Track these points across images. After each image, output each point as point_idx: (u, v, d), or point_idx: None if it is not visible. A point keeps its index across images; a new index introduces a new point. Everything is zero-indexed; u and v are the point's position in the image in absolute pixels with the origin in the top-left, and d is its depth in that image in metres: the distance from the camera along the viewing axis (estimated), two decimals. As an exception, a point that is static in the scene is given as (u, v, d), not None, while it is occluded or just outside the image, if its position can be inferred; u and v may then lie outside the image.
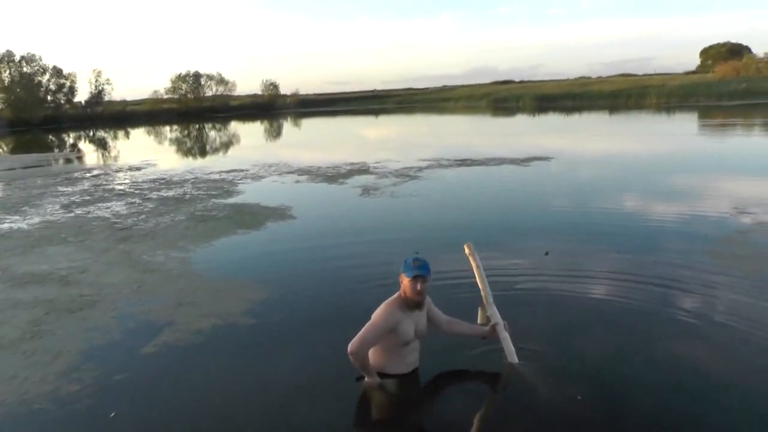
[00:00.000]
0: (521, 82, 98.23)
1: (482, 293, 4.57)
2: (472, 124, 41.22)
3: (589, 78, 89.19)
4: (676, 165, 15.70)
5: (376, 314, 4.21)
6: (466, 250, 4.72)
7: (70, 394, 4.43)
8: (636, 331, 5.14)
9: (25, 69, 66.10)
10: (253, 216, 10.74)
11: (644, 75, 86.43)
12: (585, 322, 5.35)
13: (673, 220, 9.09)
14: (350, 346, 4.10)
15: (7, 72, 64.91)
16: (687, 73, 79.23)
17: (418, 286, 4.12)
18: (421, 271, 4.11)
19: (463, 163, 17.21)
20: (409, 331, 4.22)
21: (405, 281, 4.17)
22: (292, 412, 4.10)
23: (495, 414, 4.02)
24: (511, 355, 4.46)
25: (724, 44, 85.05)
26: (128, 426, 4.02)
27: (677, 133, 25.48)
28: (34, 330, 5.72)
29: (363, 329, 4.15)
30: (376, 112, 67.44)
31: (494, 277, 6.60)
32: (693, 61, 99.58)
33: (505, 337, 4.48)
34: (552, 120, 40.64)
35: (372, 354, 4.31)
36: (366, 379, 4.25)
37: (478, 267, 4.64)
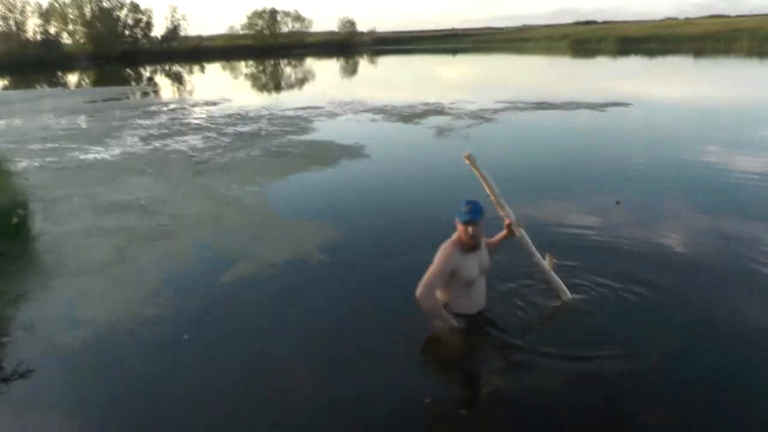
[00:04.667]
0: (604, 23, 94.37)
1: (491, 194, 4.46)
2: (551, 66, 40.08)
3: (676, 19, 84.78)
4: (763, 116, 14.89)
5: (437, 257, 4.18)
6: (466, 161, 4.44)
7: (152, 317, 4.63)
8: (703, 285, 4.95)
9: (104, 4, 67.37)
10: (327, 154, 10.81)
11: (737, 16, 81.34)
12: (651, 272, 5.13)
13: (755, 176, 8.47)
14: (417, 292, 4.11)
15: (88, 7, 66.23)
16: (789, 14, 73.48)
17: (470, 230, 4.08)
18: (471, 216, 4.06)
19: (540, 106, 16.81)
20: (472, 270, 4.20)
21: (459, 225, 4.15)
22: (361, 342, 4.19)
23: (562, 361, 3.95)
24: (562, 291, 4.57)
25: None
26: (199, 347, 4.20)
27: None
28: (118, 256, 5.97)
29: (426, 273, 4.15)
30: (454, 51, 66.29)
31: (563, 223, 6.56)
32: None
33: (522, 235, 4.48)
34: (633, 63, 39.11)
35: (440, 294, 4.29)
36: (440, 323, 4.21)
37: (482, 175, 4.43)
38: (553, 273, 4.58)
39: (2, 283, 4.98)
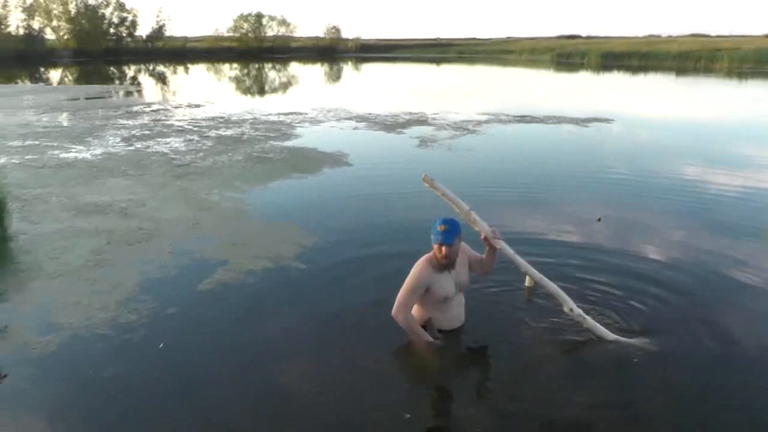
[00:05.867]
0: (588, 37, 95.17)
1: (460, 211, 4.29)
2: (534, 79, 40.31)
3: (659, 36, 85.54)
4: (743, 134, 15.09)
5: (410, 275, 4.20)
6: (426, 184, 4.27)
7: (127, 323, 4.60)
8: (687, 301, 5.02)
9: (89, 1, 66.81)
10: (309, 161, 10.81)
11: (717, 36, 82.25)
12: (634, 289, 5.19)
13: (735, 193, 8.70)
14: (393, 311, 4.17)
15: (73, 3, 65.65)
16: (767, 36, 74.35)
17: (443, 251, 4.07)
18: (444, 238, 4.04)
19: (522, 119, 16.93)
20: (446, 288, 4.21)
21: (433, 244, 4.14)
22: (339, 353, 4.19)
23: (536, 375, 3.99)
24: (566, 302, 4.39)
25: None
26: (173, 357, 4.20)
27: (747, 100, 24.49)
28: (96, 259, 5.93)
29: (399, 292, 4.19)
30: (437, 61, 66.56)
31: (543, 238, 6.62)
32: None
33: (503, 247, 4.33)
34: (615, 79, 39.48)
35: (416, 310, 4.32)
36: (416, 339, 4.23)
37: (444, 194, 4.28)
38: (547, 280, 4.43)
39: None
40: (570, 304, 4.36)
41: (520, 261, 4.42)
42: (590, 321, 4.32)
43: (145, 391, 3.79)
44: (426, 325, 4.28)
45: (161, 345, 4.30)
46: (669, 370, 3.99)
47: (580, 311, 4.35)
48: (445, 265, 4.16)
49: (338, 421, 3.52)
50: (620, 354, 4.15)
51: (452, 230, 4.07)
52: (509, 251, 4.39)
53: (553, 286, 4.42)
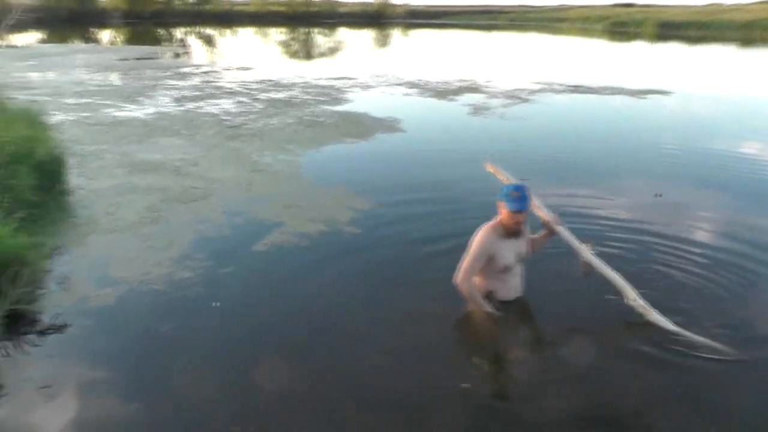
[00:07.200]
0: (644, 6, 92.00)
1: None
2: (587, 48, 39.33)
3: (721, 5, 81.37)
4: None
5: (475, 242, 4.10)
6: (489, 169, 4.42)
7: (182, 280, 4.61)
8: (743, 284, 4.73)
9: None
10: (361, 125, 10.71)
11: (791, 2, 77.41)
12: (697, 275, 4.88)
13: None
14: (456, 279, 4.09)
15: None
16: None
17: (516, 218, 3.97)
18: (520, 205, 3.93)
19: (576, 89, 16.48)
20: (508, 257, 4.10)
21: (503, 211, 4.01)
22: (393, 320, 4.14)
23: (595, 352, 3.87)
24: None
25: None
26: (228, 317, 4.17)
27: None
28: (150, 215, 5.96)
29: (464, 259, 4.10)
30: (488, 28, 65.45)
31: (598, 215, 6.27)
32: None
33: (562, 232, 4.23)
34: (673, 50, 38.20)
35: (477, 280, 4.21)
36: (477, 308, 4.14)
37: (509, 180, 4.34)
38: (609, 269, 4.17)
39: (39, 236, 4.97)
40: (632, 294, 4.08)
41: (579, 246, 4.23)
42: (655, 314, 4.02)
43: (199, 348, 3.78)
44: (488, 297, 4.18)
45: (216, 304, 4.28)
46: (745, 372, 3.70)
47: (643, 302, 4.05)
48: (514, 232, 4.05)
49: (395, 387, 3.46)
50: (683, 343, 3.86)
51: (526, 197, 3.98)
52: (569, 237, 4.26)
53: (613, 275, 4.17)
